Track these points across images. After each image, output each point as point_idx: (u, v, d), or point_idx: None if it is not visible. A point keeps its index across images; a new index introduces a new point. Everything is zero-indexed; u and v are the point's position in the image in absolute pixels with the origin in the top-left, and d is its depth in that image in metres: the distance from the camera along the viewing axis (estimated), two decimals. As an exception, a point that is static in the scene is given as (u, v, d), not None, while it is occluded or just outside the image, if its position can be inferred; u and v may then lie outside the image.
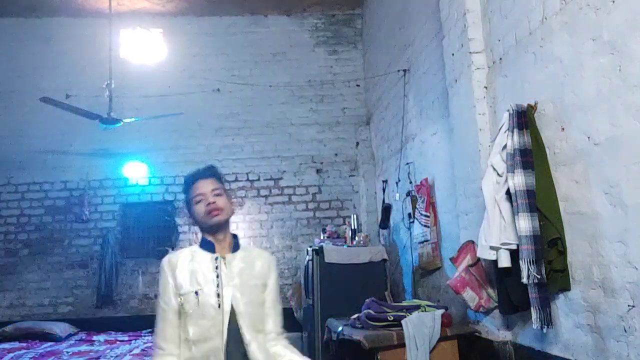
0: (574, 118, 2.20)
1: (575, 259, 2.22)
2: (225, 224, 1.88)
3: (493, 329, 2.87)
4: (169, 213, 5.99)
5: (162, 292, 1.82)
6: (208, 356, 1.75)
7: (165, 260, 1.87)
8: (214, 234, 1.87)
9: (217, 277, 1.81)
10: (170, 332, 1.79)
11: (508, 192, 2.35)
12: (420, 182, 4.07)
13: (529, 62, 2.52)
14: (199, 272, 1.82)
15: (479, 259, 2.77)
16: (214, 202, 1.84)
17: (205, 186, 1.88)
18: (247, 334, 1.77)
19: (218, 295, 1.78)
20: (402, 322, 2.99)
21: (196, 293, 1.78)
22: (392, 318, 3.08)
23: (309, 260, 4.54)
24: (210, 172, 1.94)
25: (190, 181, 1.91)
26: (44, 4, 5.91)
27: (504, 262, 2.39)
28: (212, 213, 1.83)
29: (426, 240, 3.97)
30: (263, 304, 1.86)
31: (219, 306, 1.77)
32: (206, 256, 1.85)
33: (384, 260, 4.45)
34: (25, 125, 5.98)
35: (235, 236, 1.94)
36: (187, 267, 1.83)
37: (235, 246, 1.91)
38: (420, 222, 4.07)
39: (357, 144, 6.12)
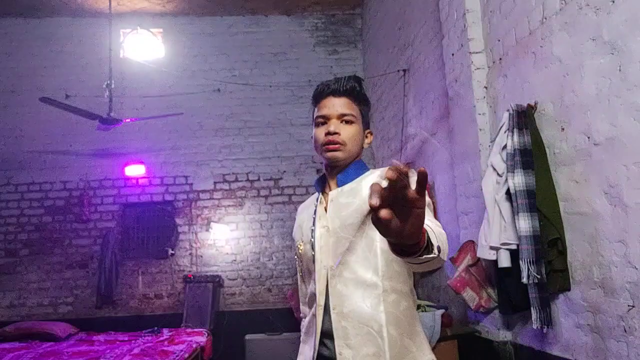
0: (574, 118, 2.20)
1: (575, 259, 2.22)
2: (345, 161, 1.40)
3: (493, 329, 2.87)
4: (169, 213, 5.98)
5: None
6: (310, 321, 1.37)
7: None
8: (330, 169, 1.43)
9: (314, 223, 1.39)
10: (301, 294, 1.50)
11: (508, 192, 2.35)
12: (420, 182, 4.06)
13: (529, 62, 2.52)
14: (305, 218, 1.46)
15: (479, 259, 2.77)
16: (336, 133, 1.36)
17: (334, 107, 1.38)
18: (346, 291, 1.29)
19: (313, 246, 1.36)
20: (402, 322, 2.98)
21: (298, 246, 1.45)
22: (392, 318, 3.07)
23: (309, 260, 4.53)
24: (347, 89, 1.39)
25: (318, 95, 1.42)
26: (44, 4, 5.91)
27: (504, 262, 2.39)
28: (329, 147, 1.37)
29: (426, 240, 3.97)
30: (371, 247, 1.30)
31: (314, 259, 1.35)
32: (314, 197, 1.48)
33: (384, 260, 4.44)
34: (25, 125, 5.98)
35: (357, 163, 1.43)
36: (302, 214, 1.49)
37: (346, 176, 1.40)
38: (420, 222, 4.06)
39: (357, 144, 6.10)
